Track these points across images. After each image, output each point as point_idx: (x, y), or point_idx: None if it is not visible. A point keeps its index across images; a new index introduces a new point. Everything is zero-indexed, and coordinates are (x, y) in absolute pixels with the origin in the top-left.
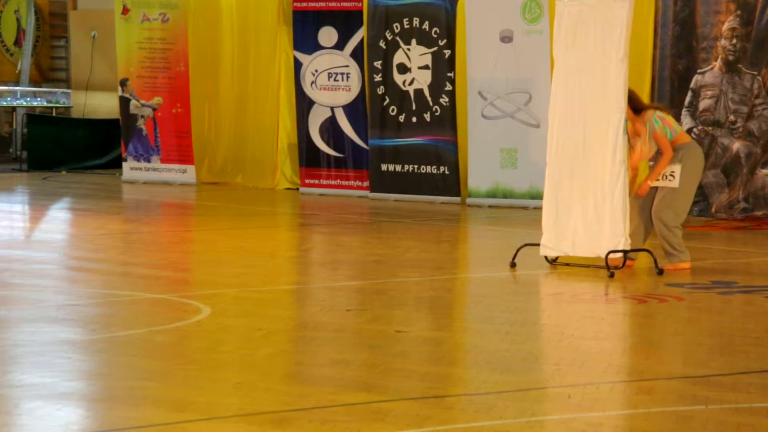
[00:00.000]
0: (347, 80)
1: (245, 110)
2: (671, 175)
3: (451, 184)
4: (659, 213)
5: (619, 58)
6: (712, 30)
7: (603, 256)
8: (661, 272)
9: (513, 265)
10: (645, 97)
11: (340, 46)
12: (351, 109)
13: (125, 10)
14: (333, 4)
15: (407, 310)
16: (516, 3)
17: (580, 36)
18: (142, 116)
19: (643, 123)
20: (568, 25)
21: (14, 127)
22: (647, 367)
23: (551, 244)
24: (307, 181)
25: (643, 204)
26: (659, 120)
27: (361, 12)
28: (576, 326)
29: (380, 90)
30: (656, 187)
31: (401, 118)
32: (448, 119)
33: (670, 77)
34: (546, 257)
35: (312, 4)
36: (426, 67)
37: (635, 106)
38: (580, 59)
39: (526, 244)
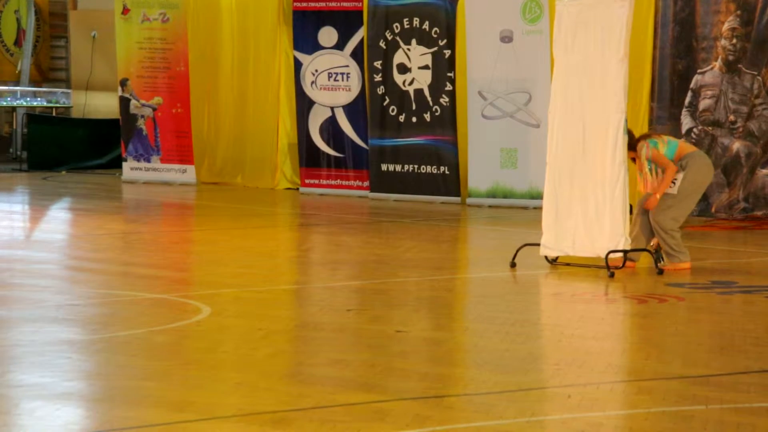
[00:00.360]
0: (347, 80)
1: (245, 110)
2: (673, 183)
3: (451, 184)
4: (656, 216)
5: (619, 58)
6: (712, 30)
7: (603, 256)
8: (661, 272)
9: (513, 265)
10: (645, 96)
11: (340, 46)
12: (351, 109)
13: (125, 10)
14: (333, 4)
15: (407, 310)
16: (516, 3)
17: (580, 36)
18: (142, 116)
19: (639, 155)
20: (568, 26)
21: (14, 127)
22: (647, 367)
23: (551, 244)
24: (307, 181)
25: (644, 212)
26: (648, 148)
27: (361, 12)
28: (576, 326)
29: (380, 90)
30: None
31: (401, 118)
32: (448, 119)
33: (670, 77)
34: (546, 257)
35: (312, 4)
36: (426, 67)
37: (630, 142)
38: (580, 59)
39: (526, 244)
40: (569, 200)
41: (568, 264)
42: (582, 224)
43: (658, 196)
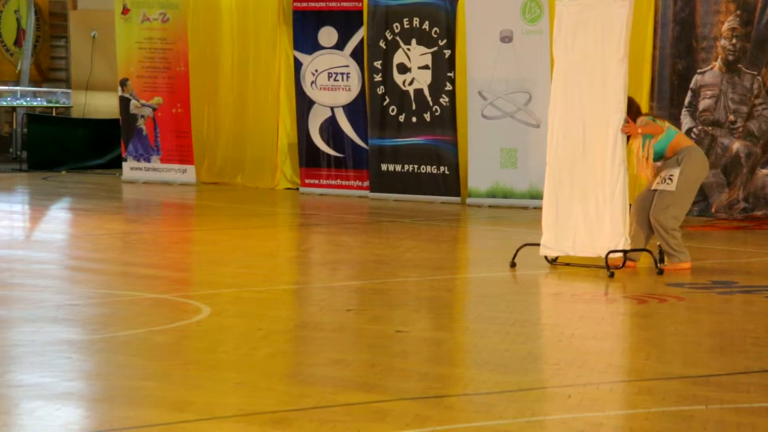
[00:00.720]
0: (347, 80)
1: (245, 110)
2: (669, 179)
3: (451, 184)
4: (656, 215)
5: (619, 58)
6: (712, 30)
7: (603, 256)
8: (661, 272)
9: (513, 265)
10: (645, 96)
11: (340, 46)
12: (351, 109)
13: (125, 10)
14: (333, 4)
15: (407, 310)
16: (516, 3)
17: (580, 36)
18: (142, 116)
19: (636, 126)
20: (568, 25)
21: (14, 127)
22: (647, 367)
23: (551, 244)
24: (307, 181)
25: (642, 207)
26: (645, 118)
27: (361, 12)
28: (576, 326)
29: (380, 90)
30: (655, 190)
31: (401, 118)
32: (448, 119)
33: (670, 77)
34: (546, 257)
35: (312, 4)
36: (426, 67)
37: (630, 109)
38: (580, 59)
39: (526, 244)
40: (569, 200)
41: (568, 264)
42: (582, 224)
43: (639, 129)
